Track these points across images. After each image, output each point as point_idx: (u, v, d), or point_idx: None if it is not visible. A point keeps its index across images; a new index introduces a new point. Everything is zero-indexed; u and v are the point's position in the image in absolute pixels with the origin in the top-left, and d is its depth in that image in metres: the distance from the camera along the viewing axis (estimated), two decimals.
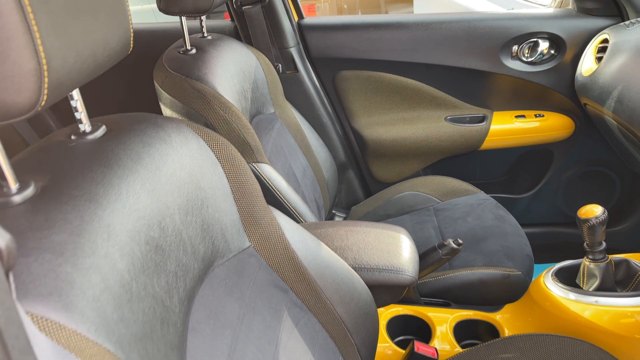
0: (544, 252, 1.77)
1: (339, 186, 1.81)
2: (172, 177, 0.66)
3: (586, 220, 1.02)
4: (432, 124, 1.75)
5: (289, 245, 0.84)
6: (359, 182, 1.85)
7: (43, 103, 0.45)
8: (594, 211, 1.02)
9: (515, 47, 1.66)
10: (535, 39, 1.65)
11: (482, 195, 1.60)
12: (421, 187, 1.67)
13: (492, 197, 1.65)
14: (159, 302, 0.55)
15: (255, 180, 0.83)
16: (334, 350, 0.87)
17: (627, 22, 1.53)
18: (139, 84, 1.59)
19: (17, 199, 0.50)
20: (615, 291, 1.07)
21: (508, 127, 1.73)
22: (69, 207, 0.50)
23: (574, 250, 1.50)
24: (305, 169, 1.52)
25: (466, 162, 1.83)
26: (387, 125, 1.77)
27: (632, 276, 1.08)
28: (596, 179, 1.81)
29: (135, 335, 0.49)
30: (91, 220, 0.51)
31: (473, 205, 1.56)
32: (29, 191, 0.51)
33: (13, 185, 0.51)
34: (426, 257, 1.13)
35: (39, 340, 0.39)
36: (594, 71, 1.50)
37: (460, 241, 1.12)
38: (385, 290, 1.01)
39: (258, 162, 1.16)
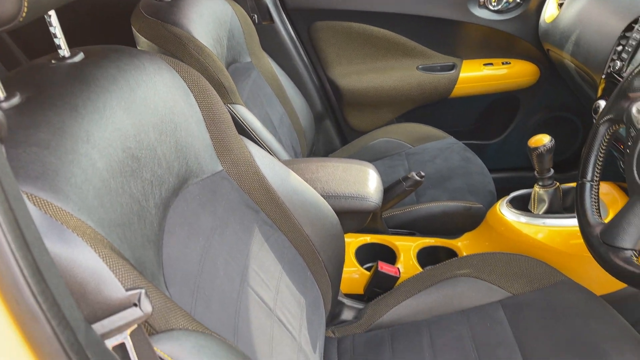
0: None
1: (316, 135, 1.88)
2: (146, 99, 0.73)
3: (535, 149, 1.11)
4: (405, 73, 1.82)
5: (259, 170, 0.92)
6: (336, 131, 1.93)
7: (24, 14, 0.51)
8: (542, 140, 1.11)
9: None
10: None
11: (451, 139, 1.69)
12: (394, 134, 1.75)
13: (463, 144, 1.74)
14: (135, 200, 0.63)
15: (227, 111, 0.90)
16: (302, 266, 0.97)
17: None
18: (117, 33, 1.64)
19: (4, 105, 0.57)
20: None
21: (477, 74, 1.81)
22: (51, 113, 0.57)
23: None
24: (282, 117, 1.59)
25: (438, 110, 1.91)
26: (361, 75, 1.84)
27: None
28: (561, 124, 1.90)
29: (114, 221, 0.57)
30: (72, 125, 0.58)
31: (442, 149, 1.65)
32: (15, 100, 0.58)
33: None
34: (391, 190, 1.22)
35: (29, 208, 0.47)
36: (556, 17, 1.57)
37: (422, 173, 1.20)
38: (351, 216, 1.10)
39: (233, 103, 1.23)
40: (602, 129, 0.88)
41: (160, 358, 0.53)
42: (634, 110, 0.81)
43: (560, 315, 0.96)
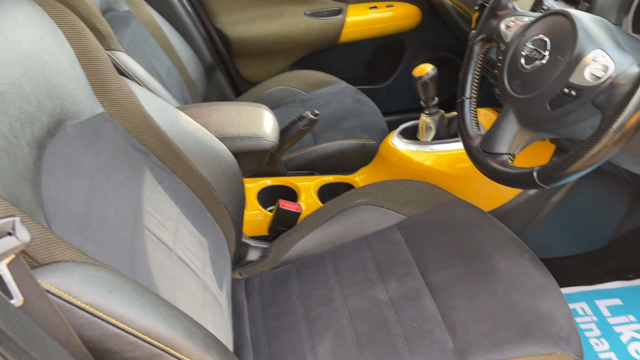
0: None
1: (208, 88, 1.83)
2: (4, 32, 0.66)
3: (419, 78, 1.15)
4: (293, 19, 1.81)
5: (144, 111, 0.87)
6: (228, 83, 1.88)
7: None
8: (425, 69, 1.16)
9: None
10: None
11: (343, 84, 1.72)
12: (288, 82, 1.74)
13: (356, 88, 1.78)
14: (2, 136, 0.58)
15: (102, 48, 0.84)
16: (201, 207, 0.95)
17: None
18: None
19: None
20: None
21: (363, 18, 1.84)
22: None
23: None
24: (169, 69, 1.52)
25: (329, 56, 1.92)
26: (249, 23, 1.80)
27: None
28: (444, 64, 1.99)
29: None
30: None
31: (335, 93, 1.67)
32: None
33: None
34: (288, 130, 1.22)
35: None
36: None
37: (316, 112, 1.22)
38: (249, 156, 1.09)
39: (111, 49, 1.15)
40: (476, 48, 0.93)
41: (47, 291, 0.49)
42: (502, 26, 0.87)
43: (450, 230, 1.02)
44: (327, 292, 0.98)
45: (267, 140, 1.08)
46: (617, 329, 1.25)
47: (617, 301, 1.32)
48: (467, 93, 0.93)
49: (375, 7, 1.84)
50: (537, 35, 0.77)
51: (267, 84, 1.76)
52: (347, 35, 1.84)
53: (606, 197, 1.27)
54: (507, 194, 1.19)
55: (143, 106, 0.87)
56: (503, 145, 0.80)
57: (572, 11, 0.75)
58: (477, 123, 0.91)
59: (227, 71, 1.89)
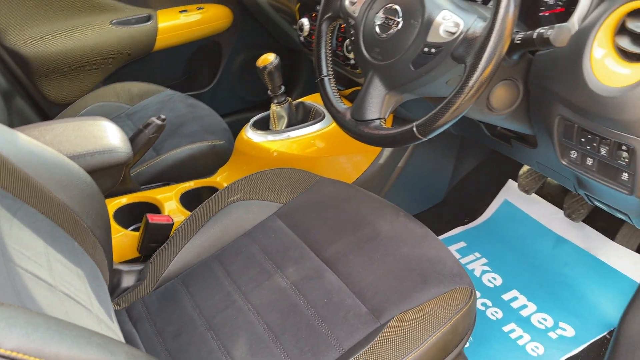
0: None
1: (8, 118, 1.58)
2: None
3: (264, 68, 1.16)
4: (99, 30, 1.66)
5: None
6: (33, 108, 1.65)
7: None
8: (268, 58, 1.17)
9: None
10: None
11: (169, 91, 1.64)
12: (107, 97, 1.60)
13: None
14: None
15: None
16: (66, 237, 0.82)
17: None
18: None
19: None
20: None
21: (175, 23, 1.78)
22: None
23: None
24: None
25: (147, 65, 1.82)
26: (48, 38, 1.60)
27: (308, 113, 1.30)
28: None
29: None
30: None
31: (163, 101, 1.58)
32: None
33: None
34: (135, 141, 1.12)
35: None
36: None
37: (162, 116, 1.14)
38: (103, 173, 0.98)
39: None
40: (324, 27, 0.97)
41: None
42: (346, 3, 0.92)
43: (328, 207, 1.05)
44: (224, 296, 0.93)
45: (120, 152, 0.98)
46: (469, 267, 1.42)
47: (462, 244, 1.50)
48: (324, 71, 0.97)
49: (186, 10, 1.79)
50: (387, 4, 0.84)
51: (82, 102, 1.59)
52: (161, 42, 1.76)
53: (438, 155, 1.43)
54: (362, 165, 1.27)
55: None
56: (374, 111, 0.86)
57: None
58: (340, 97, 0.95)
59: (28, 95, 1.65)
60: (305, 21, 1.30)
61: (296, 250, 0.98)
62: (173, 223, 1.06)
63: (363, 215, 1.02)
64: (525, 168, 1.43)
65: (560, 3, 0.91)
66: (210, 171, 1.32)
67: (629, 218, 0.94)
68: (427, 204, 1.52)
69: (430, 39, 0.78)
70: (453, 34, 0.76)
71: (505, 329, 1.26)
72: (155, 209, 1.20)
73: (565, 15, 0.88)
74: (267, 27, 1.86)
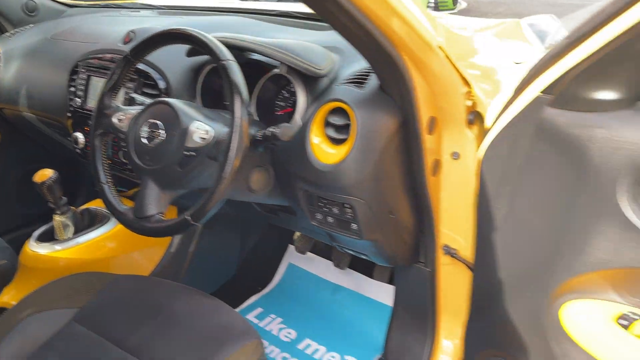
0: None
1: None
2: None
3: (43, 183, 1.22)
4: None
5: None
6: None
7: None
8: (46, 174, 1.23)
9: None
10: None
11: None
12: None
13: None
14: None
15: None
16: None
17: (7, 34, 1.77)
18: None
19: None
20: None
21: None
22: None
23: None
24: None
25: None
26: None
27: (94, 217, 1.38)
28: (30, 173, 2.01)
29: None
30: None
31: None
32: None
33: None
34: None
35: None
36: None
37: None
38: None
39: None
40: (97, 142, 1.10)
41: None
42: (115, 120, 1.07)
43: (126, 301, 1.13)
44: None
45: None
46: (267, 328, 1.61)
47: (259, 310, 1.68)
48: (103, 179, 1.08)
49: None
50: (148, 120, 1.01)
51: None
52: None
53: (224, 235, 1.62)
54: (155, 257, 1.38)
55: None
56: (152, 208, 1.00)
57: (168, 99, 1.02)
58: (120, 200, 1.07)
59: None
60: (79, 135, 1.40)
61: (99, 350, 1.03)
62: None
63: (160, 301, 1.13)
64: (297, 233, 1.70)
65: (289, 104, 1.19)
66: None
67: (368, 257, 1.23)
68: (222, 280, 1.67)
69: (188, 144, 0.97)
70: (205, 139, 0.96)
71: None
72: None
73: (294, 113, 1.16)
74: (40, 140, 1.88)
